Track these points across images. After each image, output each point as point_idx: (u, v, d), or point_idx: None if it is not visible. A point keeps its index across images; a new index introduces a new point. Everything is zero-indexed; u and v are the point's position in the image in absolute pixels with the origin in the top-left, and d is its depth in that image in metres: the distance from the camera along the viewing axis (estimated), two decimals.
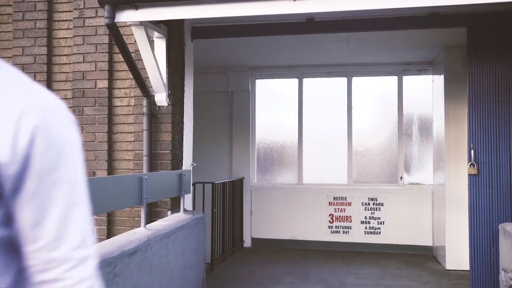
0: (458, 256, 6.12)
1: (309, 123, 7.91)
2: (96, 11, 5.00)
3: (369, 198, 7.52)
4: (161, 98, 4.75)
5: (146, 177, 3.71)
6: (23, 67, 5.13)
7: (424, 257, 7.03)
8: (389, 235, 7.41)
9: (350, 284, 5.67)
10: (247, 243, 7.83)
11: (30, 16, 5.16)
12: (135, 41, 4.55)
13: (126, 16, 4.13)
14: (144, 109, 4.74)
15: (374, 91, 7.79)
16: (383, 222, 7.45)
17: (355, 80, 7.78)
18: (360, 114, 7.77)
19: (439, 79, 6.73)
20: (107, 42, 5.00)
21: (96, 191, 3.01)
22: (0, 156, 0.84)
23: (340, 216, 7.60)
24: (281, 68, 7.90)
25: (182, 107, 5.11)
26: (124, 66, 4.82)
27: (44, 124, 0.87)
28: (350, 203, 7.58)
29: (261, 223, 7.84)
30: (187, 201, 4.91)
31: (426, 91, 7.45)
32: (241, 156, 7.92)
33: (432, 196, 7.24)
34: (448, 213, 6.24)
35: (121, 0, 4.03)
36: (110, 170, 4.98)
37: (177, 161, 4.92)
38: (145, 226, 3.73)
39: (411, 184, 7.53)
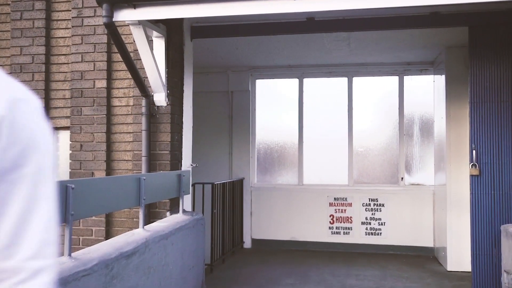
0: (459, 258, 6.07)
1: (309, 123, 7.87)
2: (95, 11, 4.97)
3: (369, 199, 7.49)
4: (160, 98, 4.72)
5: (144, 177, 3.68)
6: (21, 67, 5.10)
7: (425, 258, 6.99)
8: (390, 236, 7.37)
9: (351, 285, 5.63)
10: (247, 244, 7.79)
11: (28, 15, 5.13)
12: (134, 41, 4.52)
13: (124, 15, 4.09)
14: (143, 109, 4.71)
15: (375, 91, 7.75)
16: (384, 223, 7.41)
17: (356, 80, 7.75)
18: (361, 114, 7.73)
19: (440, 79, 6.69)
20: (106, 41, 4.97)
21: (95, 192, 2.98)
22: None
23: (340, 217, 7.57)
24: (281, 68, 7.86)
25: (181, 107, 5.08)
26: (123, 66, 4.79)
27: (9, 116, 0.77)
28: (351, 203, 7.54)
29: (261, 224, 7.80)
30: (186, 202, 4.87)
31: (427, 91, 7.41)
32: (241, 157, 7.88)
33: (433, 197, 7.20)
34: (449, 214, 6.20)
35: None
36: (109, 170, 4.95)
37: (176, 162, 4.89)
38: (143, 227, 3.69)
39: (412, 184, 7.49)
